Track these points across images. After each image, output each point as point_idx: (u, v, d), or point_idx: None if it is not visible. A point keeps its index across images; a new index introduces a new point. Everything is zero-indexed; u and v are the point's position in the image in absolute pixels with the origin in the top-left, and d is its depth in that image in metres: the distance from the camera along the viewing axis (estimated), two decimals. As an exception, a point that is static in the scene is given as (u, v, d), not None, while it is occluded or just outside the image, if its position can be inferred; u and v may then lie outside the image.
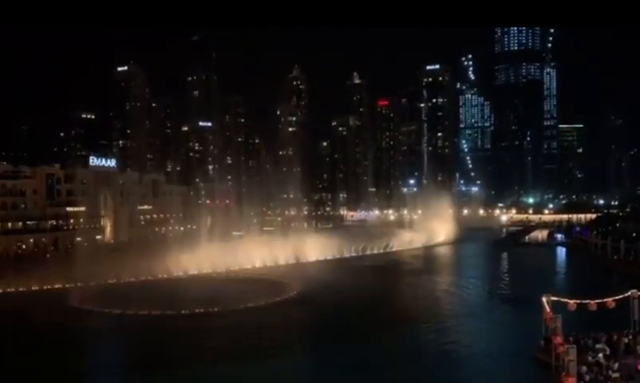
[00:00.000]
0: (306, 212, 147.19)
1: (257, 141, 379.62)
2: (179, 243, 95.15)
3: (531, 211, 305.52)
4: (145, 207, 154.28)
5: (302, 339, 60.40)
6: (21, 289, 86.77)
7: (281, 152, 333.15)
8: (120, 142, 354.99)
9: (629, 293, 51.94)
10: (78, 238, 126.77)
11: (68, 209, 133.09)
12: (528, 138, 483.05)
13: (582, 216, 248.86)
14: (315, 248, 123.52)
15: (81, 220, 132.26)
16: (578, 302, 50.89)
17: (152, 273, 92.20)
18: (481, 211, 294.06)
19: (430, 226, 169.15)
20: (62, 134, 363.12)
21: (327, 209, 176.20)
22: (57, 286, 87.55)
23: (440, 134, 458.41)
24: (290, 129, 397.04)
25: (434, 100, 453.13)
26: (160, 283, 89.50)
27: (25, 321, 67.23)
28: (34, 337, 60.92)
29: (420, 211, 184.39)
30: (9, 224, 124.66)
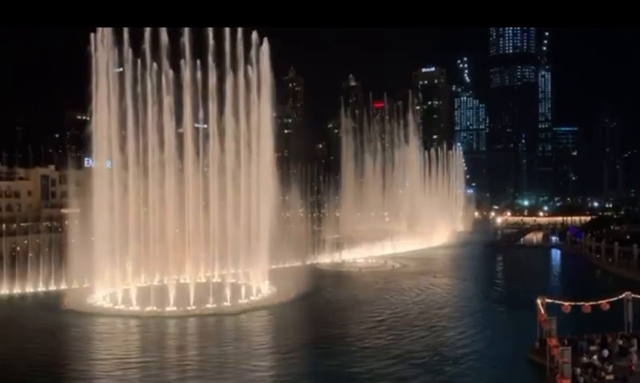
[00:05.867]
0: (301, 214, 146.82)
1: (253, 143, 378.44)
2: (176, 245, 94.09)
3: (525, 214, 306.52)
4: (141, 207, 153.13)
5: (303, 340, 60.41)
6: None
7: (276, 154, 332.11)
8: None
9: (623, 295, 52.30)
10: (73, 240, 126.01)
11: (62, 210, 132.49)
12: (523, 140, 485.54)
13: (576, 218, 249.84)
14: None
15: (77, 222, 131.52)
16: (573, 303, 51.17)
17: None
18: (476, 214, 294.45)
19: (426, 228, 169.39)
20: (57, 135, 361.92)
21: (323, 211, 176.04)
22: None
23: (435, 136, 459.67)
24: (286, 131, 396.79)
25: (429, 103, 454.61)
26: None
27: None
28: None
29: (415, 214, 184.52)
30: (4, 226, 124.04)
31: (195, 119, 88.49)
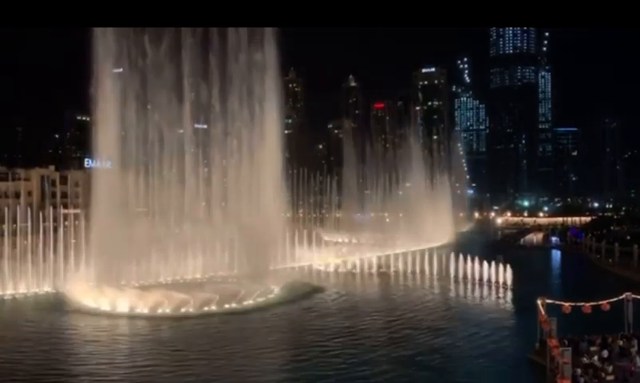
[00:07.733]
0: (301, 214, 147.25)
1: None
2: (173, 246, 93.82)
3: (526, 214, 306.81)
4: (141, 208, 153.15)
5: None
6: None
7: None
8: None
9: (623, 295, 52.29)
10: (73, 241, 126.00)
11: (63, 211, 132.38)
12: (523, 141, 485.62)
13: (576, 219, 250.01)
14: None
15: (76, 222, 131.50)
16: (573, 304, 51.16)
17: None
18: (476, 214, 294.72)
19: (426, 228, 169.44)
20: (57, 135, 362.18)
21: (323, 212, 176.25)
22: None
23: (435, 137, 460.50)
24: (286, 131, 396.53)
25: (429, 103, 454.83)
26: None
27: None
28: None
29: (415, 214, 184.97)
30: (4, 226, 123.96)
31: (197, 120, 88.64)
